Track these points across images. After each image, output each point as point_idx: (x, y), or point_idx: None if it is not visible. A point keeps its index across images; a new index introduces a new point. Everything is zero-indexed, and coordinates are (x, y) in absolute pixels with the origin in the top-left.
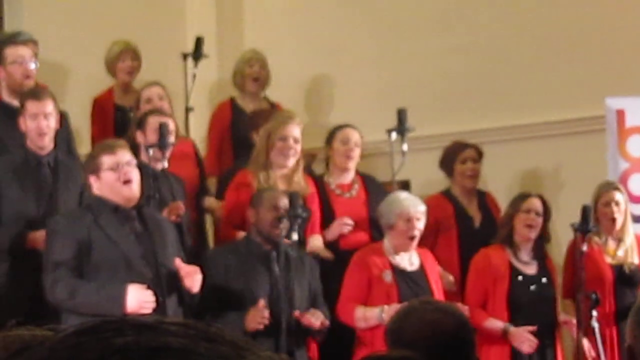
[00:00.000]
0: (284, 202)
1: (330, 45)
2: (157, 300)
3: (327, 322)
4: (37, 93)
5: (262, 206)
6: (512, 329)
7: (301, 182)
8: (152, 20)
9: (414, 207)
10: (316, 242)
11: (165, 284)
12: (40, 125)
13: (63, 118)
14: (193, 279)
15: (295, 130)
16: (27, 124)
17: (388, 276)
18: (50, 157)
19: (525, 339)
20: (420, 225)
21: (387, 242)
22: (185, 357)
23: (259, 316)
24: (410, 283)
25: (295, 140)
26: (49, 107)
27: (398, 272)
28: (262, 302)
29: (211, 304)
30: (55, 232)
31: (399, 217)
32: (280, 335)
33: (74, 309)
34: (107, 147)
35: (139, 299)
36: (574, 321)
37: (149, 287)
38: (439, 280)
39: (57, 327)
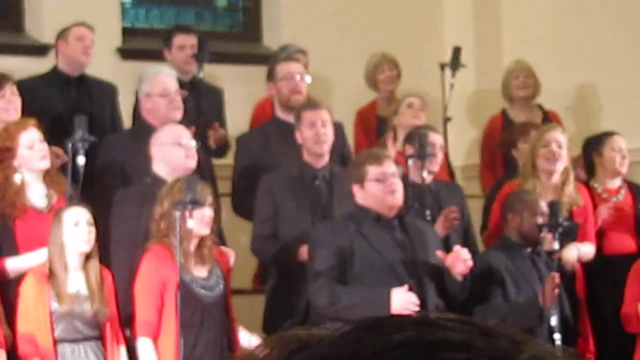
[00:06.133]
0: (543, 207)
1: (591, 52)
2: (420, 305)
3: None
4: (312, 103)
5: (525, 210)
6: None
7: (572, 193)
8: (410, 31)
9: None
10: (570, 252)
11: (427, 289)
12: (318, 132)
13: (338, 129)
14: (461, 263)
15: (558, 135)
16: (304, 133)
17: None
18: (325, 169)
19: None
20: None
21: None
22: (465, 351)
23: (553, 285)
24: None
25: (559, 145)
26: (326, 115)
27: None
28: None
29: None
30: (317, 242)
31: None
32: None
33: (337, 315)
34: (373, 157)
35: (403, 301)
36: None
37: (411, 289)
38: None
39: (332, 327)
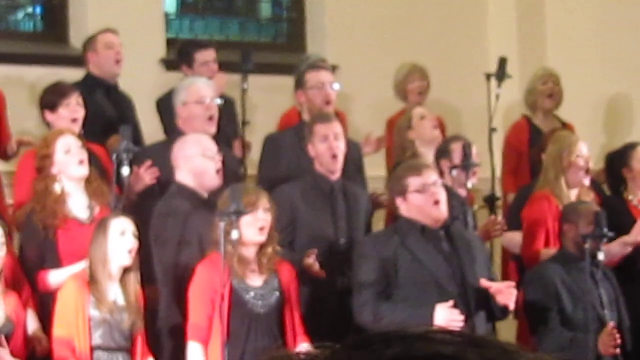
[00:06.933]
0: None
1: (634, 63)
2: (465, 318)
3: None
4: (324, 115)
5: (581, 219)
6: None
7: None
8: (454, 41)
9: None
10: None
11: (473, 302)
12: (331, 146)
13: (355, 149)
14: (507, 295)
15: (586, 149)
16: (316, 147)
17: None
18: (339, 182)
19: None
20: None
21: None
22: None
23: (611, 340)
24: None
25: (588, 160)
26: (338, 127)
27: None
28: (611, 324)
29: (533, 320)
30: (361, 255)
31: None
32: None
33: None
34: (413, 168)
35: (446, 318)
36: None
37: (455, 305)
38: None
39: (325, 345)
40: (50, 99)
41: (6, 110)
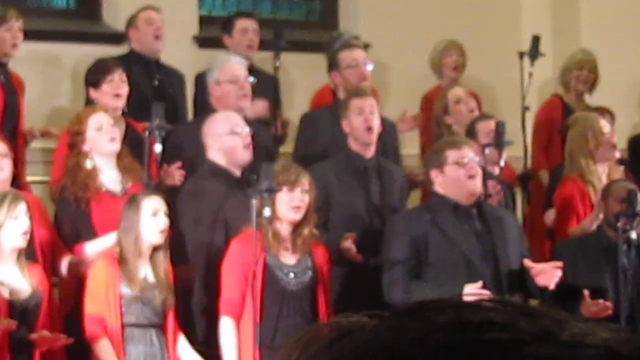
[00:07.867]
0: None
1: None
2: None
3: None
4: (359, 90)
5: (610, 198)
6: None
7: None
8: (488, 19)
9: None
10: None
11: (506, 282)
12: (367, 118)
13: (390, 127)
14: (550, 275)
15: (608, 125)
16: (352, 121)
17: None
18: (373, 160)
19: None
20: None
21: None
22: (508, 331)
23: (597, 309)
24: None
25: (613, 134)
26: (373, 102)
27: None
28: (585, 292)
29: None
30: (392, 232)
31: None
32: None
33: None
34: (452, 143)
35: (475, 299)
36: None
37: (485, 285)
38: None
39: (374, 313)
40: (94, 76)
41: (24, 96)
